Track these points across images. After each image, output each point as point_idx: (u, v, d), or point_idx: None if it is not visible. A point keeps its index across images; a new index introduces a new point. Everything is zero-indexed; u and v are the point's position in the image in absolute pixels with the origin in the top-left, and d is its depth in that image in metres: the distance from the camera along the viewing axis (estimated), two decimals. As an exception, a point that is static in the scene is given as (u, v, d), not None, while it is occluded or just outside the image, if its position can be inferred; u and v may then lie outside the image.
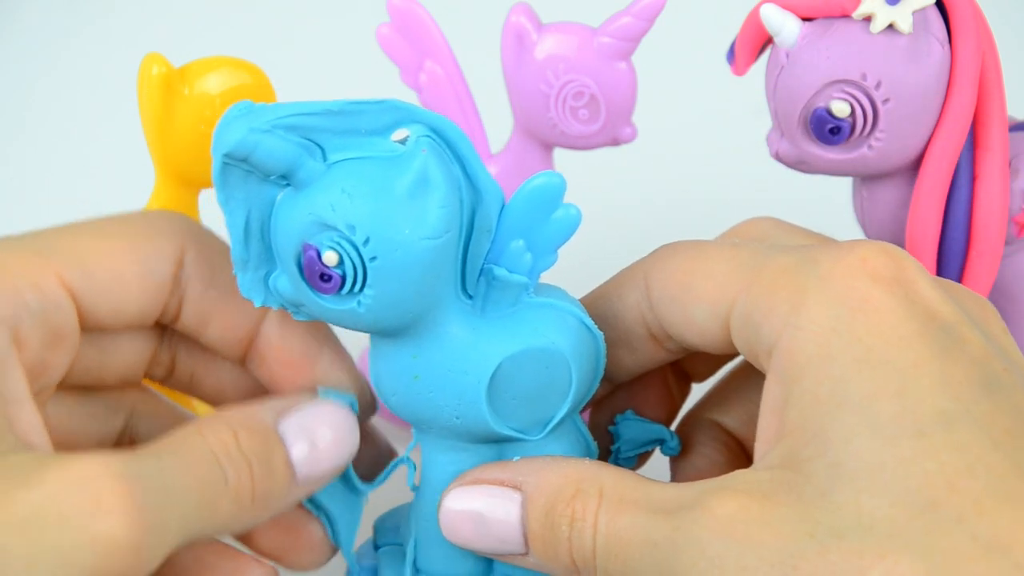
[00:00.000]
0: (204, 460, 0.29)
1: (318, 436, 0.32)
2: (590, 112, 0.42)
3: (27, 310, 0.30)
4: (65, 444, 0.34)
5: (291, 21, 0.71)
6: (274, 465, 0.31)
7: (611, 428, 0.37)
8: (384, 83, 0.44)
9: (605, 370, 0.34)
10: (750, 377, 0.37)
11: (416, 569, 0.35)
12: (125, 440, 0.36)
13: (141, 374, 0.35)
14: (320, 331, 0.35)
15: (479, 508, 0.32)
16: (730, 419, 0.36)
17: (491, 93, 0.45)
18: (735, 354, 0.33)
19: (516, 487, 0.32)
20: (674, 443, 0.36)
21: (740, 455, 0.36)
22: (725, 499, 0.27)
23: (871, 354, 0.27)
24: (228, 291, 0.34)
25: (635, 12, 0.41)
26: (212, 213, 0.41)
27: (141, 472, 0.27)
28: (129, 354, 0.34)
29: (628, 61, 0.41)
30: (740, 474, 0.28)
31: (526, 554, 0.32)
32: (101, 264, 0.32)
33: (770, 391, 0.29)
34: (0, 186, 0.62)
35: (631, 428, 0.36)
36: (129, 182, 0.45)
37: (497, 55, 0.42)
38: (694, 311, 0.31)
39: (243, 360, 0.35)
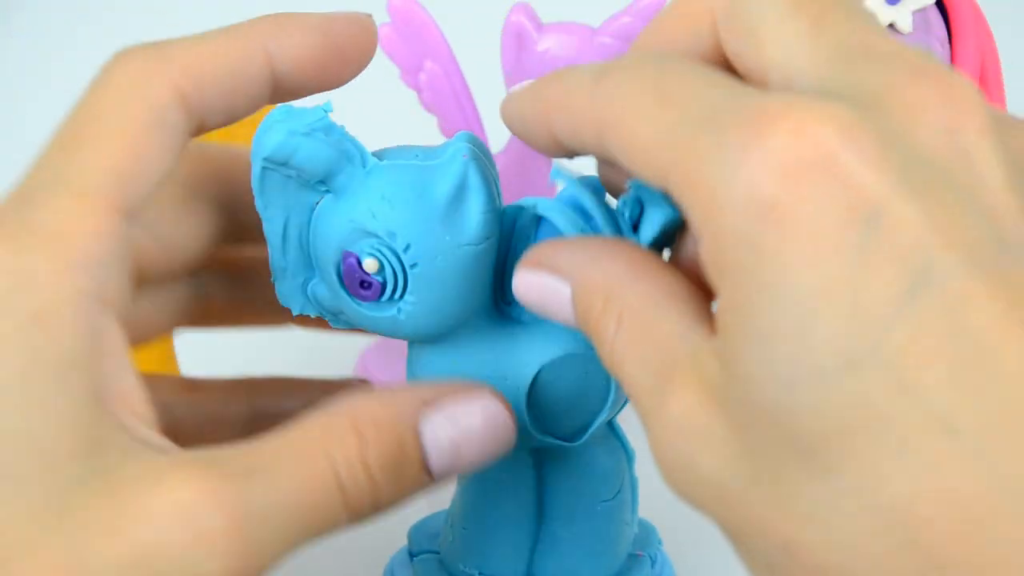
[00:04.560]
0: (323, 481, 0.27)
1: (466, 437, 0.30)
2: (590, 112, 0.42)
3: (106, 266, 0.27)
4: (144, 327, 0.33)
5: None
6: (404, 474, 0.29)
7: (626, 198, 0.31)
8: (384, 83, 0.44)
9: None
10: None
11: (463, 572, 0.35)
12: (201, 299, 0.35)
13: (204, 258, 0.33)
14: None
15: (538, 294, 0.29)
16: None
17: (491, 93, 0.45)
18: None
19: (566, 279, 0.29)
20: None
21: None
22: (684, 393, 0.25)
23: (778, 278, 0.23)
24: None
25: (635, 12, 0.41)
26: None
27: (253, 504, 0.26)
28: (193, 233, 0.32)
29: (628, 61, 0.42)
30: (704, 348, 0.25)
31: None
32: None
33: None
34: None
35: (652, 197, 0.30)
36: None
37: (497, 55, 0.42)
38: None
39: None
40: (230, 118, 0.31)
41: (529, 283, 0.29)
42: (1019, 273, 0.22)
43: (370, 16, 0.32)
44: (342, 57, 0.31)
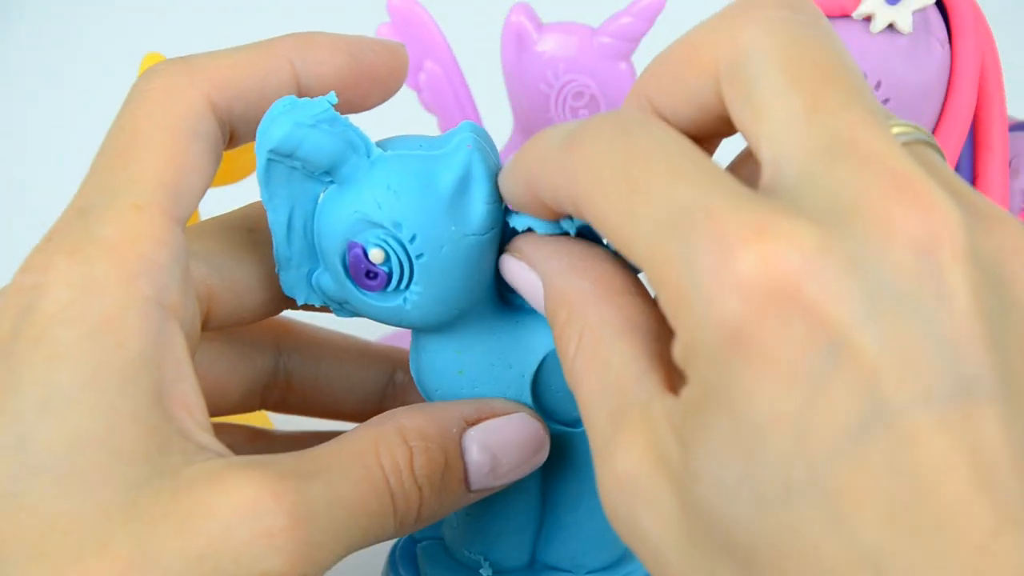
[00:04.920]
0: (375, 487, 0.29)
1: (504, 453, 0.31)
2: (590, 112, 0.42)
3: (167, 273, 0.28)
4: (217, 390, 0.34)
5: (291, 21, 0.71)
6: (447, 485, 0.31)
7: None
8: (384, 83, 0.44)
9: None
10: None
11: (468, 558, 0.35)
12: (280, 377, 0.36)
13: (277, 309, 0.34)
14: None
15: (516, 280, 0.31)
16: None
17: (491, 93, 0.45)
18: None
19: (540, 277, 0.30)
20: None
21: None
22: (631, 447, 0.25)
23: (736, 401, 0.23)
24: None
25: (635, 12, 0.41)
26: (210, 214, 0.41)
27: (312, 504, 0.27)
28: (260, 293, 0.33)
29: (628, 61, 0.42)
30: (658, 407, 0.25)
31: None
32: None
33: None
34: None
35: None
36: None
37: (497, 55, 0.42)
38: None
39: None
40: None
41: (510, 269, 0.31)
42: (970, 408, 0.22)
43: (402, 45, 0.33)
44: (369, 80, 0.32)
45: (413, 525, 0.30)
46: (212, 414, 0.35)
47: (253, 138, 0.31)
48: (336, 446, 0.29)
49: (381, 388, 0.38)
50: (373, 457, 0.29)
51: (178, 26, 0.70)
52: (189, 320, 0.29)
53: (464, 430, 0.31)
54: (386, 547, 0.37)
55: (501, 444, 0.31)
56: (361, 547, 0.29)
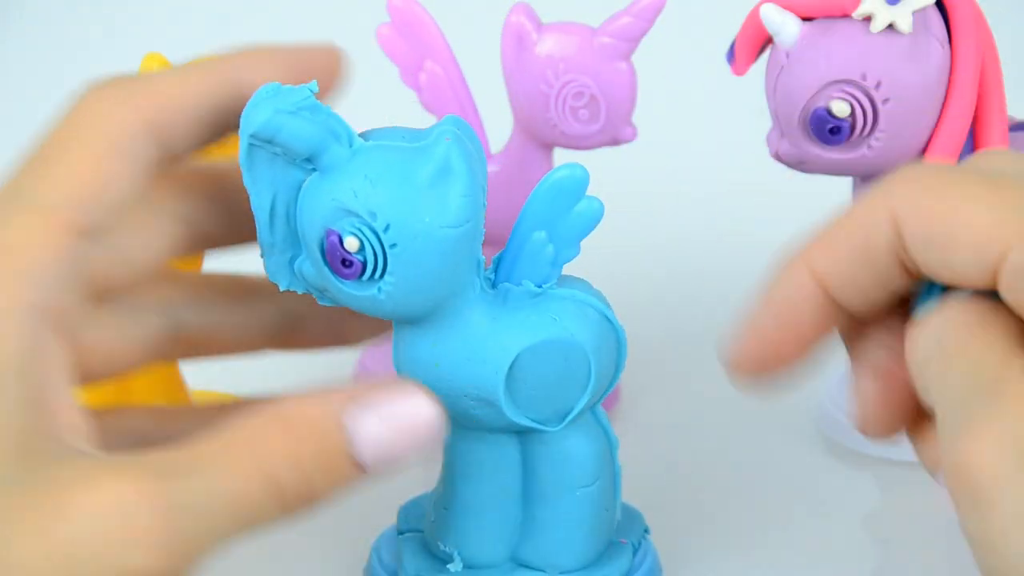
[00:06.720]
0: (254, 478, 0.28)
1: (392, 432, 0.31)
2: (590, 112, 0.42)
3: (54, 278, 0.28)
4: (112, 355, 0.34)
5: (291, 21, 0.71)
6: (334, 468, 0.30)
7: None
8: (384, 83, 0.44)
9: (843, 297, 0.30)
10: None
11: (443, 551, 0.36)
12: (182, 338, 0.36)
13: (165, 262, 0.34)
14: None
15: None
16: None
17: (491, 93, 0.45)
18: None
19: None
20: None
21: None
22: None
23: None
24: None
25: (635, 12, 0.41)
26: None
27: (181, 499, 0.27)
28: (149, 243, 0.33)
29: (628, 61, 0.42)
30: None
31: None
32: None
33: None
34: None
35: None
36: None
37: (497, 55, 0.42)
38: (955, 259, 0.27)
39: None
40: (201, 145, 0.32)
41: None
42: None
43: (339, 49, 0.34)
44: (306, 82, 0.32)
45: (305, 507, 0.29)
46: (113, 377, 0.34)
47: (194, 156, 0.32)
48: (215, 436, 0.29)
49: (277, 321, 0.37)
50: (253, 444, 0.29)
51: (178, 26, 0.70)
52: (77, 325, 0.29)
53: (350, 411, 0.30)
54: (373, 535, 0.38)
55: (388, 423, 0.31)
56: (245, 535, 0.28)
